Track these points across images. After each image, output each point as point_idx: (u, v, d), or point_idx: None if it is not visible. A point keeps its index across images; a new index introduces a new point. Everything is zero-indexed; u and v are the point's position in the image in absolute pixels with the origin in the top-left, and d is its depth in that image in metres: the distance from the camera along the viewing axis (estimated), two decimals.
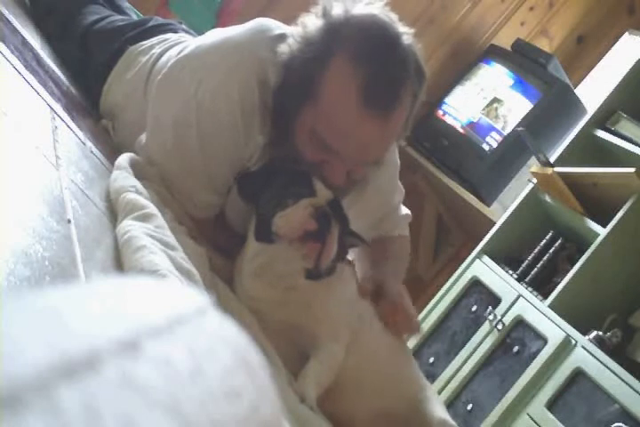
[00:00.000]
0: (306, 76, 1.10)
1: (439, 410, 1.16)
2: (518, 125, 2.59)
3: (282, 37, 1.16)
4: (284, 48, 1.13)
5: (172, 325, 0.29)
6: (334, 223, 1.04)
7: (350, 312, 1.12)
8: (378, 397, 1.11)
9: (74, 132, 1.13)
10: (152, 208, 0.99)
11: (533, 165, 2.41)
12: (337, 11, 1.10)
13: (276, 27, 1.20)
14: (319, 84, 1.09)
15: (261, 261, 1.08)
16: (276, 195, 1.07)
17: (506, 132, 2.67)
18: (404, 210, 1.47)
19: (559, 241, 2.33)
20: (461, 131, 2.86)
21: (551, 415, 1.91)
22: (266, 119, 1.17)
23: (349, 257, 1.25)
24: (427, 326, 2.42)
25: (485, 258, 2.42)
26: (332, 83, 1.08)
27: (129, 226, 0.91)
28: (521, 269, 2.34)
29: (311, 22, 1.12)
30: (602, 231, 2.11)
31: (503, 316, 2.21)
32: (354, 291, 1.15)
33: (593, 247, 2.11)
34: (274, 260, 1.07)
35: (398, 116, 1.11)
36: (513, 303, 2.22)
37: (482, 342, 2.24)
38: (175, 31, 1.56)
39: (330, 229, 1.03)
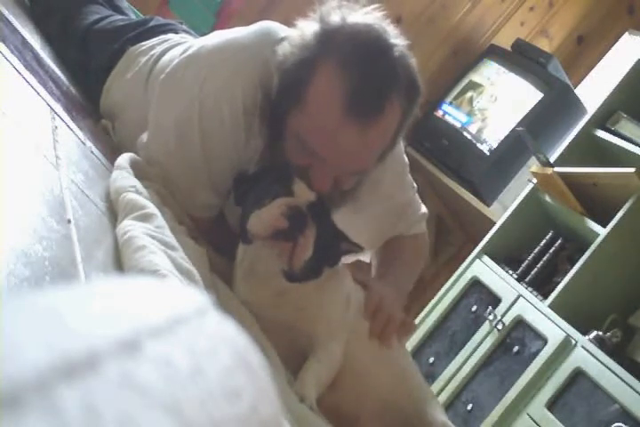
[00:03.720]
0: (295, 79, 1.11)
1: (438, 413, 1.16)
2: (518, 125, 2.59)
3: (285, 40, 1.16)
4: (280, 51, 1.14)
5: (172, 325, 0.29)
6: (310, 225, 1.03)
7: (347, 312, 1.12)
8: (381, 394, 1.11)
9: (74, 132, 1.13)
10: (152, 208, 0.99)
11: (533, 165, 2.41)
12: (334, 18, 1.10)
13: (281, 30, 1.20)
14: (306, 87, 1.09)
15: (246, 263, 1.09)
16: (257, 194, 1.07)
17: (506, 132, 2.67)
18: (422, 208, 1.46)
19: (559, 241, 2.33)
20: (461, 131, 2.86)
21: (551, 415, 1.91)
22: (264, 122, 1.17)
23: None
24: (427, 326, 2.42)
25: (485, 258, 2.43)
26: (317, 87, 1.08)
27: (129, 226, 0.91)
28: (521, 269, 2.34)
29: (307, 27, 1.12)
30: (602, 231, 2.11)
31: (503, 316, 2.21)
32: (350, 292, 1.15)
33: (593, 247, 2.11)
34: (256, 261, 1.08)
35: (382, 127, 1.10)
36: (513, 303, 2.22)
37: (482, 342, 2.24)
38: (176, 31, 1.56)
39: (303, 230, 1.03)
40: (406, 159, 1.38)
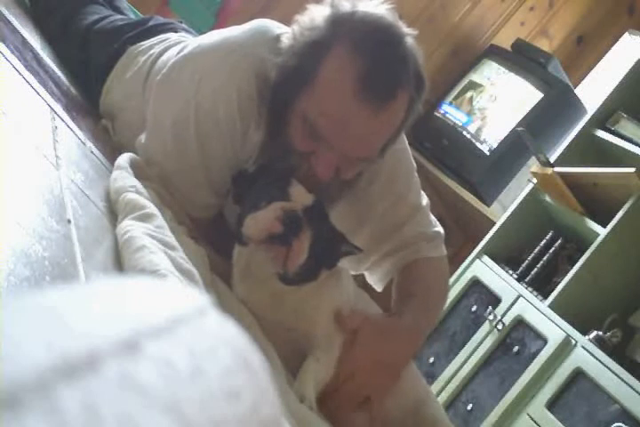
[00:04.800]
0: (305, 59, 1.10)
1: (438, 413, 1.16)
2: (518, 125, 2.59)
3: (281, 38, 1.16)
4: (287, 35, 1.13)
5: (171, 325, 0.29)
6: (306, 229, 1.03)
7: (345, 312, 1.11)
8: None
9: (74, 132, 1.13)
10: (152, 208, 0.99)
11: (533, 165, 2.41)
12: (345, 5, 1.11)
13: (276, 28, 1.20)
14: (317, 69, 1.08)
15: (242, 265, 1.09)
16: (254, 197, 1.07)
17: (506, 132, 2.67)
18: (439, 227, 1.37)
19: (559, 241, 2.33)
20: (461, 131, 2.86)
21: (551, 415, 1.91)
22: (263, 113, 1.16)
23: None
24: None
25: (485, 258, 2.42)
26: (330, 68, 1.08)
27: (129, 226, 0.91)
28: (521, 269, 2.34)
29: (318, 11, 1.12)
30: (602, 231, 2.11)
31: (503, 316, 2.21)
32: (348, 292, 1.14)
33: (593, 247, 2.11)
34: (251, 263, 1.07)
35: (392, 113, 1.10)
36: (513, 303, 2.22)
37: (482, 342, 2.24)
38: (175, 31, 1.56)
39: (298, 234, 1.02)
40: (414, 163, 1.37)
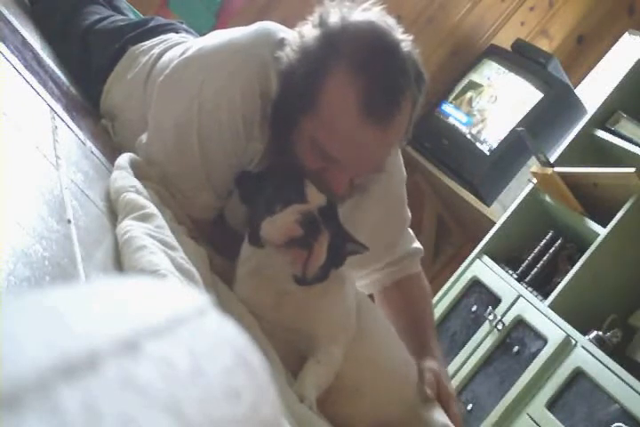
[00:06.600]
0: (305, 86, 1.10)
1: (439, 415, 1.16)
2: (518, 125, 2.59)
3: (284, 42, 1.15)
4: (281, 58, 1.13)
5: (171, 325, 0.29)
6: (323, 231, 1.02)
7: (348, 315, 1.11)
8: (378, 403, 1.11)
9: (74, 132, 1.13)
10: (152, 208, 0.99)
11: (533, 165, 2.41)
12: (333, 19, 1.09)
13: (280, 31, 1.19)
14: (319, 94, 1.08)
15: (252, 264, 1.08)
16: (267, 199, 1.06)
17: (506, 132, 2.67)
18: (418, 243, 1.42)
19: (559, 241, 2.33)
20: (461, 131, 2.87)
21: (551, 415, 1.91)
22: (264, 126, 1.17)
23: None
24: None
25: (485, 258, 2.42)
26: (331, 93, 1.08)
27: (129, 226, 0.91)
28: (521, 269, 2.34)
29: (308, 32, 1.11)
30: (602, 231, 2.11)
31: (503, 316, 2.21)
32: (351, 294, 1.14)
33: (593, 247, 2.11)
34: (263, 264, 1.07)
35: (399, 124, 1.11)
36: (513, 303, 2.22)
37: (482, 342, 2.24)
38: (176, 31, 1.56)
39: (317, 237, 1.02)
40: (404, 173, 1.37)
